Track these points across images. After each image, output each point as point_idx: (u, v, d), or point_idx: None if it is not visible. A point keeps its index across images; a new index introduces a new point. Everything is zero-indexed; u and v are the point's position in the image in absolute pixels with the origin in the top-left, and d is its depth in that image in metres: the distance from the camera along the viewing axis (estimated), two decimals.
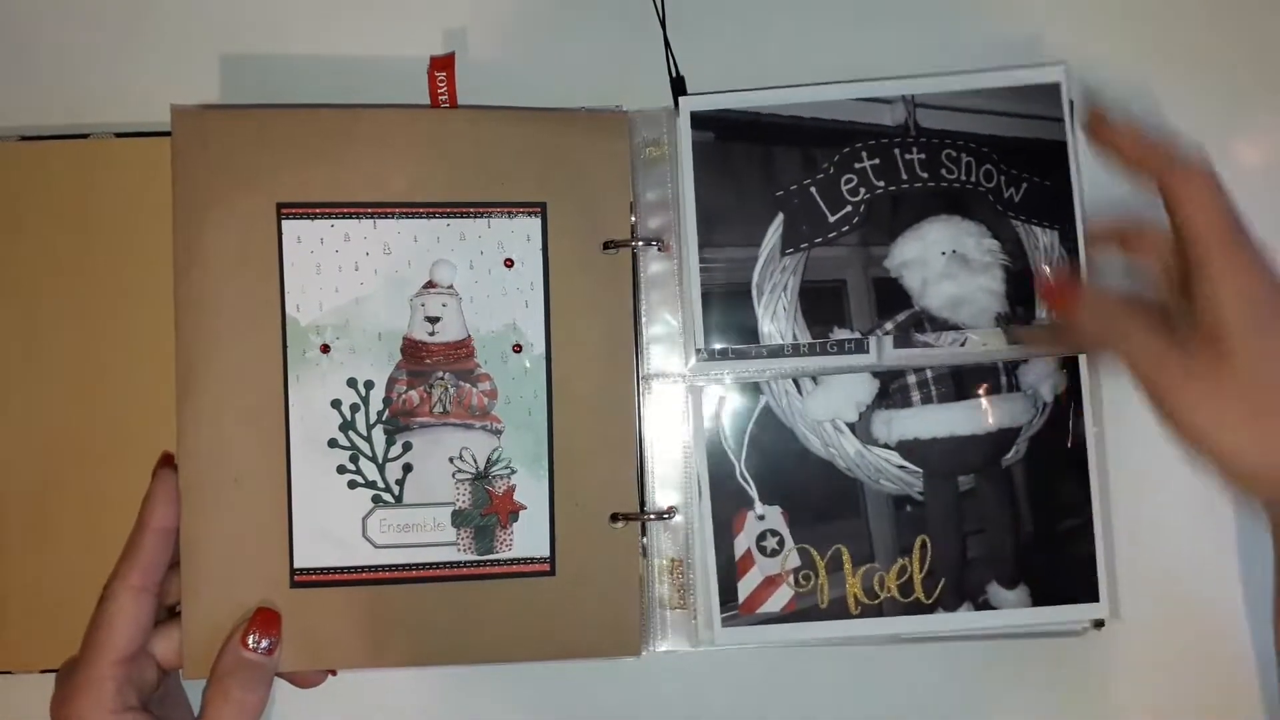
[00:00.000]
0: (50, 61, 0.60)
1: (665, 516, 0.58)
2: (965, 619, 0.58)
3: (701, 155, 0.58)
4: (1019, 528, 0.58)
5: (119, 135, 0.58)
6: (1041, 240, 0.58)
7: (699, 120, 0.58)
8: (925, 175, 0.58)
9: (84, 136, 0.58)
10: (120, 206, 0.58)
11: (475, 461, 0.57)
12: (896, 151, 0.58)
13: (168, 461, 0.57)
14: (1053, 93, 0.58)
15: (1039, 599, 0.58)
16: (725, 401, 0.59)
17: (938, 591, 0.58)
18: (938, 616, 0.58)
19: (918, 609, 0.58)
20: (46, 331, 0.58)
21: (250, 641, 0.54)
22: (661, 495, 0.59)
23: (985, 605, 0.58)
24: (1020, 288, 0.58)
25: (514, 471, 0.57)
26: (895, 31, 0.61)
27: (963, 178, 0.58)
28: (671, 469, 0.59)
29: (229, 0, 0.60)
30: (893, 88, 0.58)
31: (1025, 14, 0.61)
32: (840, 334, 0.58)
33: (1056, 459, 0.58)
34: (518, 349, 0.58)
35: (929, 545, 0.58)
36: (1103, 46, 0.61)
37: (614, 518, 0.58)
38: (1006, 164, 0.58)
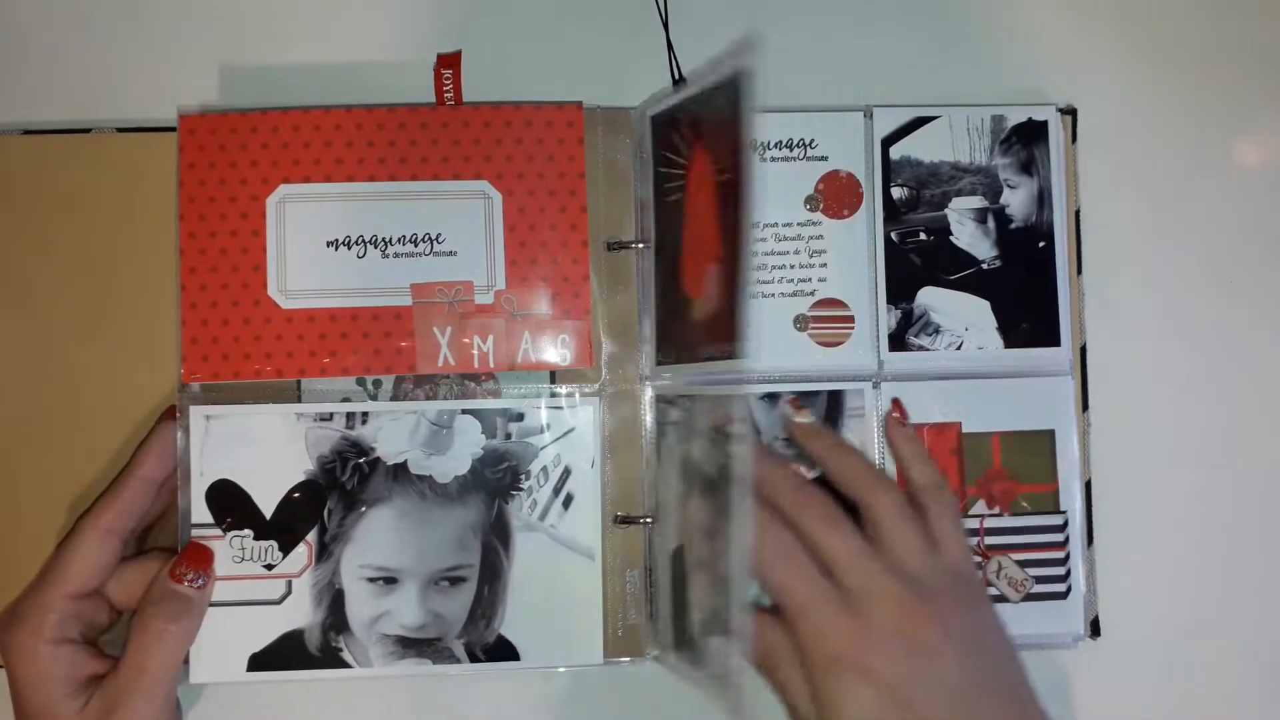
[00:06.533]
0: (53, 58, 0.60)
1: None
2: None
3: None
4: None
5: (120, 130, 0.59)
6: None
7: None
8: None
9: (86, 131, 0.58)
10: (120, 199, 0.58)
11: None
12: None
13: (171, 415, 0.56)
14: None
15: None
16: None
17: None
18: None
19: None
20: (46, 323, 0.58)
21: (181, 573, 0.54)
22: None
23: None
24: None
25: None
26: (896, 37, 0.62)
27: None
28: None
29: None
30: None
31: (1024, 16, 0.62)
32: None
33: None
34: None
35: None
36: (1103, 49, 0.62)
37: (617, 519, 0.58)
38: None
